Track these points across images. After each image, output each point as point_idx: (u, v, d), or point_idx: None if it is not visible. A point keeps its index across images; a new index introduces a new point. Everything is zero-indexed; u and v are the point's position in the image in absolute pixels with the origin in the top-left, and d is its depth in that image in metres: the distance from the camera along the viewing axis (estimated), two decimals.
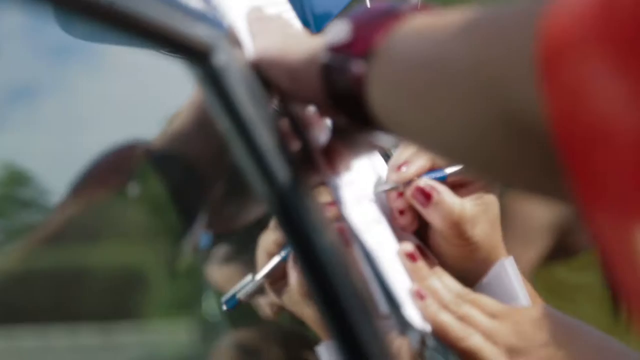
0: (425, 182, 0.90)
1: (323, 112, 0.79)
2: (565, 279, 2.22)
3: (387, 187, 0.92)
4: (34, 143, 0.65)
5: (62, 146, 0.68)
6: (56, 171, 0.67)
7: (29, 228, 0.67)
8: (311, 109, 0.86)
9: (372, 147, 0.80)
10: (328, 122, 0.84)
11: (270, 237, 0.92)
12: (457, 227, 0.89)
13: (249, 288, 0.94)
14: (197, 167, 0.78)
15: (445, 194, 0.89)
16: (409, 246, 0.89)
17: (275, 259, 0.93)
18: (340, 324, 0.70)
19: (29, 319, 0.60)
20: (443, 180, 0.91)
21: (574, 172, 0.50)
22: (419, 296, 0.85)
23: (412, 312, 0.82)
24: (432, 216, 0.90)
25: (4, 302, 0.59)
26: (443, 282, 0.88)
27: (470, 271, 0.92)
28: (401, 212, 0.91)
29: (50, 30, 0.69)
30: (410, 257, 0.88)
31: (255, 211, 0.87)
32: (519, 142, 0.55)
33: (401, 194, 0.91)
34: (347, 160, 0.82)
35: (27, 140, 0.65)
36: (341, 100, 0.72)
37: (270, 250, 0.92)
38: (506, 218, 2.17)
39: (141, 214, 0.75)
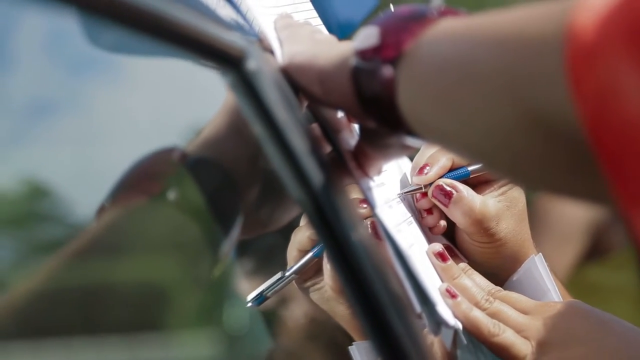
0: (445, 181, 0.91)
1: (352, 116, 0.80)
2: (598, 280, 2.22)
3: (410, 189, 0.93)
4: (54, 157, 0.66)
5: (83, 160, 0.69)
6: (77, 186, 0.68)
7: (49, 242, 0.68)
8: (340, 114, 0.88)
9: (401, 150, 0.81)
10: (356, 127, 0.85)
11: (304, 233, 0.93)
12: (480, 224, 0.90)
13: (279, 285, 0.94)
14: (232, 172, 0.79)
15: (465, 192, 0.90)
16: (438, 246, 0.91)
17: (308, 256, 0.94)
18: (375, 321, 0.71)
19: (55, 334, 0.60)
20: (466, 177, 0.92)
21: (609, 173, 0.51)
22: (449, 294, 0.87)
23: (444, 311, 0.83)
24: (454, 214, 0.91)
25: (30, 318, 0.60)
26: (473, 280, 0.89)
27: (500, 268, 0.93)
28: (428, 212, 0.93)
29: (71, 43, 0.70)
30: (440, 256, 0.90)
31: (288, 214, 0.88)
32: (546, 142, 0.56)
33: (425, 195, 0.92)
34: (377, 164, 0.83)
35: (47, 154, 0.66)
36: (371, 104, 0.73)
37: (303, 246, 0.93)
38: (542, 220, 2.17)
39: (171, 224, 0.76)
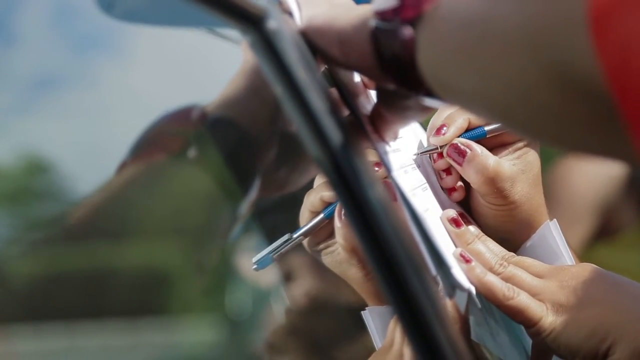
0: (460, 140, 0.92)
1: (371, 77, 0.81)
2: (607, 261, 2.22)
3: (427, 149, 0.94)
4: (55, 133, 0.66)
5: (83, 137, 0.69)
6: (76, 162, 0.68)
7: (49, 216, 0.67)
8: (357, 79, 0.88)
9: (419, 112, 0.81)
10: (372, 93, 0.86)
11: (316, 195, 0.93)
12: (494, 183, 0.90)
13: (286, 247, 0.93)
14: (250, 131, 0.80)
15: (479, 150, 0.91)
16: (452, 212, 0.91)
17: (318, 217, 0.93)
18: (392, 279, 0.71)
19: (58, 317, 0.60)
20: (482, 137, 0.92)
21: (632, 125, 0.52)
22: (464, 259, 0.87)
23: (459, 274, 0.84)
24: (467, 173, 0.91)
25: (33, 302, 0.59)
26: (487, 246, 0.90)
27: (514, 234, 0.94)
28: (447, 173, 0.93)
29: (77, 21, 0.70)
30: (454, 222, 0.90)
31: (306, 175, 0.88)
32: (568, 95, 0.56)
33: (442, 155, 0.93)
34: (394, 127, 0.83)
35: (48, 130, 0.66)
36: (390, 65, 0.74)
37: (315, 207, 0.93)
38: (551, 199, 2.17)
39: (174, 207, 0.76)
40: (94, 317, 0.64)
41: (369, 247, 0.71)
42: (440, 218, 0.91)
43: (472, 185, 0.93)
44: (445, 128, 0.92)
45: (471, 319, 0.93)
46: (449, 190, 0.94)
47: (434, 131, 0.92)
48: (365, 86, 0.89)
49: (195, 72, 0.84)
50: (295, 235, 0.94)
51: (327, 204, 0.93)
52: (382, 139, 0.84)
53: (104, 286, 0.66)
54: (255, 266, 0.93)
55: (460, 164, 0.91)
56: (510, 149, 0.92)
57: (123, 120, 0.73)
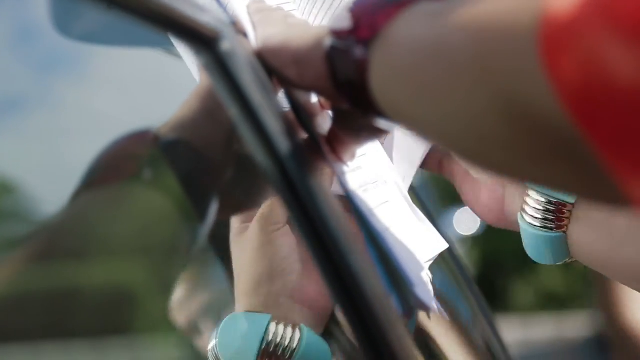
0: None
1: (326, 98, 0.80)
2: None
3: None
4: (20, 154, 0.66)
5: (48, 157, 0.68)
6: (43, 183, 0.68)
7: (14, 240, 0.67)
8: (314, 99, 0.87)
9: (374, 133, 0.81)
10: (329, 112, 0.85)
11: None
12: None
13: None
14: (204, 153, 0.79)
15: None
16: None
17: None
18: (356, 312, 0.71)
19: (21, 338, 0.59)
20: None
21: (602, 149, 0.50)
22: None
23: (422, 293, 0.83)
24: None
25: None
26: None
27: None
28: None
29: (38, 41, 0.70)
30: None
31: (263, 196, 0.87)
32: (518, 125, 0.54)
33: None
34: (351, 148, 0.83)
35: (13, 151, 0.65)
36: (344, 86, 0.73)
37: None
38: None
39: (137, 225, 0.75)
40: (59, 338, 0.63)
41: (324, 267, 0.71)
42: None
43: None
44: None
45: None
46: None
47: None
48: (322, 107, 0.88)
49: (160, 94, 0.83)
50: None
51: None
52: (340, 160, 0.83)
53: (69, 306, 0.65)
54: None
55: None
56: None
57: (88, 141, 0.72)
